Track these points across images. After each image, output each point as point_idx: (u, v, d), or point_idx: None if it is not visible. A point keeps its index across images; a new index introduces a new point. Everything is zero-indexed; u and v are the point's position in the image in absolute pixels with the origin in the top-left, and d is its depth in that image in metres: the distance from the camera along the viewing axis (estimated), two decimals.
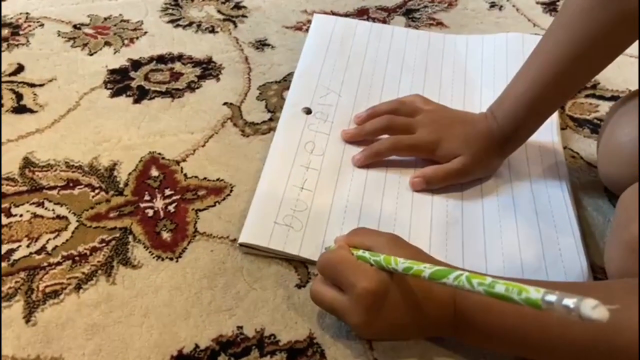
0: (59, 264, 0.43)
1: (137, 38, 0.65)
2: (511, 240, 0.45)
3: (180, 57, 0.62)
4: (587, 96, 0.61)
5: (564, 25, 0.43)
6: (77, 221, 0.45)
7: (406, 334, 0.38)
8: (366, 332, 0.38)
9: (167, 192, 0.48)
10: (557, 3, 0.75)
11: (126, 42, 0.64)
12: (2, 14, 0.66)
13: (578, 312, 0.23)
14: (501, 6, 0.74)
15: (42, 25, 0.66)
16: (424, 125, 0.49)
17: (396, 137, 0.50)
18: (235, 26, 0.68)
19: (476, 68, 0.62)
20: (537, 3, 0.75)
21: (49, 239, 0.44)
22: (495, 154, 0.48)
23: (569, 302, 0.23)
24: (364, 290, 0.34)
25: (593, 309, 0.22)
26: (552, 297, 0.24)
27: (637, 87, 0.48)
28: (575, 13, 0.42)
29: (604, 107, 0.59)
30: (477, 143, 0.47)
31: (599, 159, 0.48)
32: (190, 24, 0.67)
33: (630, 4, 0.39)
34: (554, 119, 0.55)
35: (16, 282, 0.41)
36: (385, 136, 0.51)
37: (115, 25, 0.66)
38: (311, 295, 0.39)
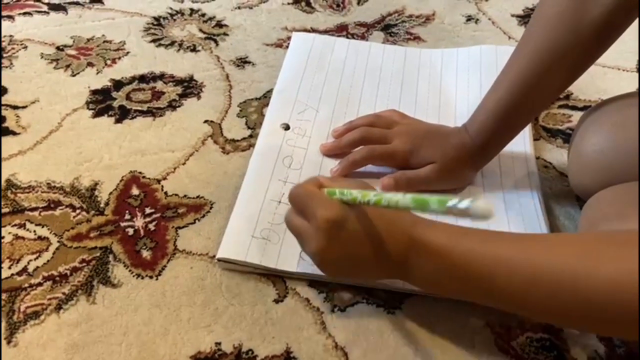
0: (39, 284, 0.43)
1: (120, 58, 0.66)
2: None
3: (162, 76, 0.64)
4: (560, 107, 0.62)
5: (530, 41, 0.45)
6: (58, 242, 0.46)
7: (362, 268, 0.40)
8: (324, 261, 0.39)
9: (148, 210, 0.49)
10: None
11: (108, 62, 0.65)
12: None
13: (469, 210, 0.26)
14: (477, 20, 0.76)
15: (25, 47, 0.67)
16: (399, 136, 0.51)
17: (371, 146, 0.51)
18: (217, 44, 0.69)
19: (451, 80, 0.63)
20: (512, 16, 0.77)
21: (30, 260, 0.45)
22: (467, 166, 0.49)
23: (464, 203, 0.27)
24: (322, 217, 0.37)
25: (484, 206, 0.26)
26: (454, 202, 0.28)
27: (608, 97, 0.49)
28: (539, 29, 0.44)
29: (577, 117, 0.60)
30: (449, 154, 0.49)
31: (569, 168, 0.49)
32: (172, 43, 0.69)
33: (588, 15, 0.40)
34: (527, 129, 0.57)
35: None
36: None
37: (98, 46, 0.67)
38: (285, 220, 0.42)
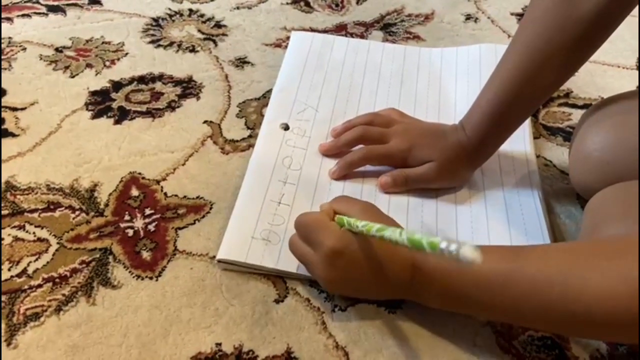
0: (39, 286, 0.43)
1: (119, 59, 0.66)
2: None
3: (161, 77, 0.63)
4: (560, 105, 0.62)
5: (521, 38, 0.45)
6: (58, 243, 0.46)
7: (369, 292, 0.41)
8: (332, 287, 0.41)
9: (147, 211, 0.49)
10: None
11: (107, 63, 0.65)
12: None
13: (458, 254, 0.26)
14: (476, 18, 0.76)
15: (24, 49, 0.66)
16: (397, 135, 0.51)
17: (369, 146, 0.51)
18: (216, 45, 0.69)
19: (451, 79, 0.63)
20: (512, 14, 0.77)
21: (30, 262, 0.45)
22: (464, 165, 0.49)
23: (453, 247, 0.26)
24: (329, 248, 0.38)
25: (471, 252, 0.25)
26: (444, 244, 0.27)
27: (608, 95, 0.49)
28: (530, 26, 0.44)
29: (577, 115, 0.60)
30: (446, 152, 0.48)
31: (570, 167, 0.49)
32: (171, 44, 0.68)
33: (576, 12, 0.40)
34: (526, 128, 0.57)
35: None
36: (361, 146, 0.52)
37: (96, 47, 0.67)
38: (289, 246, 0.43)
